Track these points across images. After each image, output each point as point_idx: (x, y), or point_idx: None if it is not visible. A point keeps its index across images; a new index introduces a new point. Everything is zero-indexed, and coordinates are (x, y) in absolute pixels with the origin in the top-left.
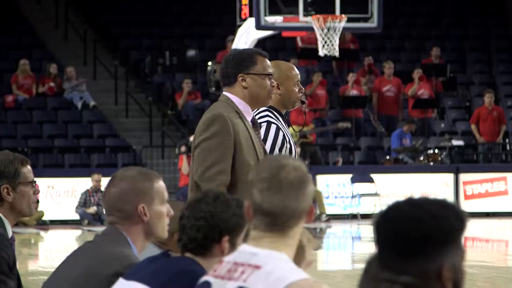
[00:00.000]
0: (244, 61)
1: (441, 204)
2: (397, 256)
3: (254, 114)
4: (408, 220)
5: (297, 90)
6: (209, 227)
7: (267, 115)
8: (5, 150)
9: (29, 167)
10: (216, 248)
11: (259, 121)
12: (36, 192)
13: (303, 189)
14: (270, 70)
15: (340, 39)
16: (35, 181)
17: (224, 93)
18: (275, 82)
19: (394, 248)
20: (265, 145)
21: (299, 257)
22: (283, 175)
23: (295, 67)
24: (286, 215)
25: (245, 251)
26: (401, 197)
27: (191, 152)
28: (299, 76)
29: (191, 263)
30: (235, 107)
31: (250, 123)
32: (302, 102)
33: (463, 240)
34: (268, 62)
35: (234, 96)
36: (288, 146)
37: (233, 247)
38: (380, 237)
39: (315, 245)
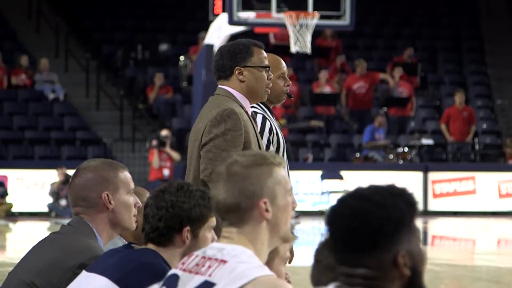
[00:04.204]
0: (240, 53)
1: (388, 191)
2: (351, 251)
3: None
4: (356, 216)
5: (282, 84)
6: (170, 217)
7: (252, 106)
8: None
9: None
10: (177, 238)
11: None
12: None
13: (251, 172)
14: (267, 62)
15: (321, 35)
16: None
17: (221, 86)
18: (272, 75)
19: (347, 244)
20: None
21: (272, 252)
22: (233, 168)
23: (281, 60)
24: (241, 204)
25: (214, 246)
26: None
27: (200, 148)
28: (284, 69)
29: (152, 256)
30: (238, 101)
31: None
32: (289, 96)
33: (416, 224)
34: (265, 53)
35: (234, 90)
36: (276, 137)
37: (195, 238)
38: (333, 234)
39: (291, 240)
